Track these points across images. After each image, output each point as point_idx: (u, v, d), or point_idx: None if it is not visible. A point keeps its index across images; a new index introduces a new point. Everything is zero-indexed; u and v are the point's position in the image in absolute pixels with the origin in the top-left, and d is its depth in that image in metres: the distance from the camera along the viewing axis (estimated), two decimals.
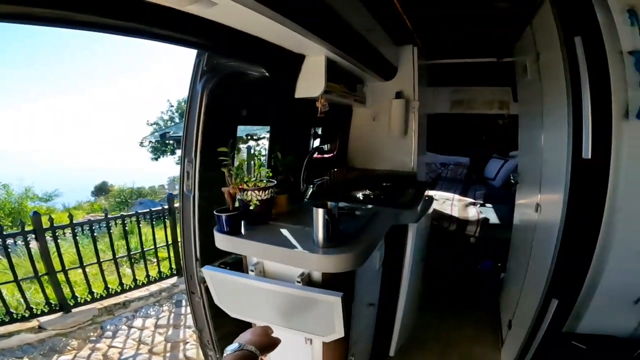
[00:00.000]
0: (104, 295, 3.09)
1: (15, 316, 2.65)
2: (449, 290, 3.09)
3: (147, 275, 3.40)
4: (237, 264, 1.49)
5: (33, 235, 2.72)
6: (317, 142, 2.75)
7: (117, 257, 3.18)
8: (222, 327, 1.83)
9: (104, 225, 3.15)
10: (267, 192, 1.42)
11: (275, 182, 1.50)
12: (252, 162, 1.49)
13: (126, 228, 3.30)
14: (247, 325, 1.48)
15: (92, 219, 3.34)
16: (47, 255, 2.79)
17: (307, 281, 1.27)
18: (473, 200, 3.73)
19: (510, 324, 2.14)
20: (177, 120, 15.06)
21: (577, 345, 1.41)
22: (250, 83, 1.70)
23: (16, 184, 9.01)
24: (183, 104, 14.70)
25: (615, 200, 1.28)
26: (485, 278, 3.07)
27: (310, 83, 1.76)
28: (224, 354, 0.79)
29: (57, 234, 2.84)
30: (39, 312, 2.75)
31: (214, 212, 1.38)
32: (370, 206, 1.85)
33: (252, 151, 3.08)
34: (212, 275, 1.34)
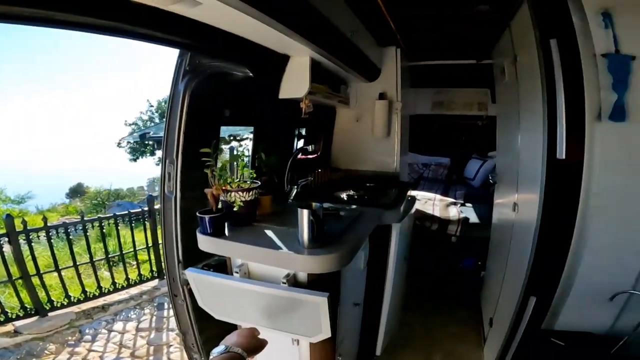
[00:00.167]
0: (81, 299, 3.00)
1: None
2: (432, 290, 3.14)
3: (127, 278, 3.31)
4: (221, 265, 1.47)
5: (6, 239, 2.62)
6: (301, 143, 2.75)
7: (94, 260, 3.09)
8: (206, 329, 1.81)
9: (80, 227, 3.05)
10: (251, 193, 1.40)
11: (259, 183, 1.49)
12: (236, 163, 1.47)
13: (104, 230, 3.21)
14: (232, 328, 1.47)
15: (67, 221, 3.22)
16: (20, 258, 2.69)
17: (293, 282, 1.27)
18: (454, 200, 3.82)
19: (491, 322, 2.18)
20: (157, 120, 14.69)
21: (555, 342, 1.44)
22: (233, 83, 1.69)
23: None
24: (163, 104, 14.38)
25: (588, 199, 1.32)
26: (466, 276, 3.14)
27: (295, 84, 1.76)
28: (210, 357, 0.78)
29: (30, 237, 2.74)
30: (13, 317, 2.66)
31: (197, 214, 1.36)
32: (354, 207, 1.86)
33: (235, 152, 3.05)
34: (196, 278, 1.32)
